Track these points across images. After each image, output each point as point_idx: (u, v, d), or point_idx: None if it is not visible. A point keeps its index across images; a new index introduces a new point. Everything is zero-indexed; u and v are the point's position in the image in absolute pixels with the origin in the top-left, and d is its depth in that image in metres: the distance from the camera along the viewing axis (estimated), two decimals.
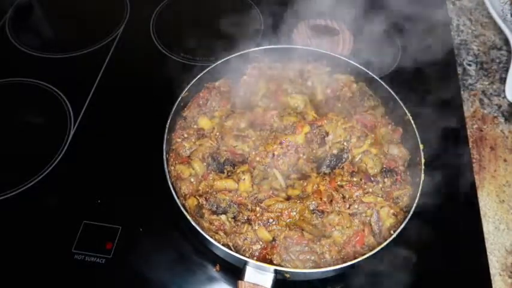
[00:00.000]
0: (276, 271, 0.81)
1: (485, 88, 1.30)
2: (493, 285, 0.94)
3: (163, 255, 0.96)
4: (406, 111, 1.01)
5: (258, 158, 0.97)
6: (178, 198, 0.90)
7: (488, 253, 0.98)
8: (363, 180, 0.94)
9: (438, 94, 1.17)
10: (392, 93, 1.04)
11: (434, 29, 1.32)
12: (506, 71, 1.31)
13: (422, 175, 0.92)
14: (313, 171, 0.96)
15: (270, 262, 0.85)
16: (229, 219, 0.90)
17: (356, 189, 0.92)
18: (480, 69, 1.34)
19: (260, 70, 1.14)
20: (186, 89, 1.04)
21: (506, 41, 1.37)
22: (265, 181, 0.94)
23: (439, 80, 1.21)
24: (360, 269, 0.87)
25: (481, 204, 1.06)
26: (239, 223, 0.89)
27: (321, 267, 0.84)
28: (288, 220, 0.89)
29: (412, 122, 0.99)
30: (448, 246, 0.99)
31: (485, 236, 1.01)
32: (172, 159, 0.98)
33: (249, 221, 0.89)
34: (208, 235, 0.84)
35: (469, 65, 1.35)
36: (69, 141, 1.13)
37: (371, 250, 0.83)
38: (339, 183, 0.93)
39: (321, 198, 0.90)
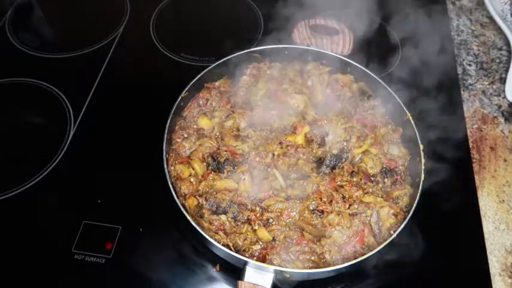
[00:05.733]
0: (276, 271, 0.81)
1: (485, 88, 1.30)
2: (493, 285, 0.94)
3: (163, 255, 0.96)
4: (406, 111, 1.01)
5: (258, 158, 0.97)
6: (178, 198, 0.90)
7: (488, 253, 0.98)
8: (362, 180, 0.95)
9: (438, 94, 1.17)
10: (393, 93, 1.04)
11: (434, 29, 1.32)
12: (506, 71, 1.31)
13: (422, 175, 0.92)
14: (313, 171, 0.96)
15: (270, 262, 0.85)
16: (229, 219, 0.90)
17: (356, 189, 0.92)
18: (480, 69, 1.34)
19: (260, 70, 1.14)
20: (186, 89, 1.04)
21: (506, 41, 1.37)
22: (265, 181, 0.94)
23: (439, 80, 1.21)
24: (360, 269, 0.87)
25: (481, 204, 1.06)
26: (239, 223, 0.89)
27: (321, 267, 0.84)
28: (288, 220, 0.89)
29: (412, 122, 0.99)
30: (448, 246, 0.99)
31: (485, 236, 1.01)
32: (172, 159, 0.98)
33: (249, 221, 0.89)
34: (208, 235, 0.84)
35: (469, 65, 1.35)
36: (69, 141, 1.12)
37: (371, 250, 0.83)
38: (338, 183, 0.93)
39: (320, 198, 0.90)
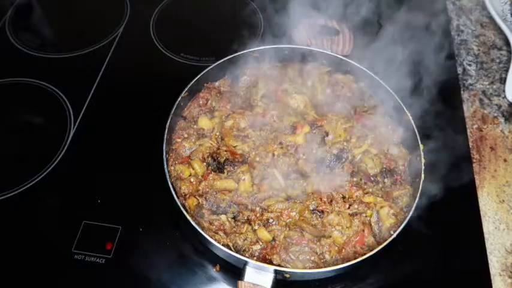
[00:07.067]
0: (276, 271, 0.81)
1: (485, 88, 1.30)
2: (493, 285, 0.94)
3: (163, 255, 0.96)
4: (406, 111, 1.01)
5: (258, 158, 0.97)
6: (178, 198, 0.90)
7: (488, 253, 0.98)
8: (362, 180, 0.95)
9: (438, 94, 1.17)
10: (393, 93, 1.04)
11: (434, 29, 1.32)
12: (506, 71, 1.31)
13: (422, 175, 0.92)
14: (313, 171, 0.96)
15: (270, 262, 0.85)
16: (229, 219, 0.90)
17: (356, 189, 0.92)
18: (480, 69, 1.34)
19: (260, 70, 1.14)
20: (186, 89, 1.04)
21: (506, 41, 1.37)
22: (265, 181, 0.94)
23: (439, 80, 1.21)
24: (360, 269, 0.87)
25: (481, 204, 1.06)
26: (239, 223, 0.89)
27: (321, 267, 0.84)
28: (287, 220, 0.89)
29: (412, 122, 0.99)
30: (448, 246, 0.99)
31: (485, 236, 1.01)
32: (172, 159, 0.98)
33: (249, 221, 0.89)
34: (208, 235, 0.84)
35: (469, 65, 1.35)
36: (69, 141, 1.12)
37: (371, 250, 0.83)
38: (339, 183, 0.93)
39: (320, 198, 0.90)
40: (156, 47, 1.34)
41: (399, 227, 0.85)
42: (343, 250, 0.87)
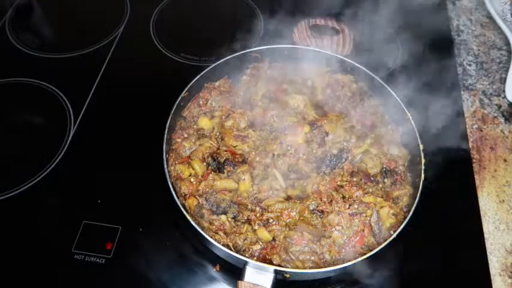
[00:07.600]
0: (276, 271, 0.81)
1: (485, 88, 1.30)
2: (493, 285, 0.94)
3: (163, 255, 0.96)
4: (406, 111, 1.01)
5: (258, 158, 0.97)
6: (178, 198, 0.90)
7: (488, 253, 0.98)
8: (362, 180, 0.95)
9: (438, 94, 1.17)
10: (392, 93, 1.04)
11: (434, 29, 1.32)
12: (506, 71, 1.31)
13: (423, 175, 0.92)
14: (313, 171, 0.96)
15: (270, 262, 0.85)
16: (229, 219, 0.90)
17: (356, 189, 0.92)
18: (480, 69, 1.34)
19: (260, 70, 1.14)
20: (186, 89, 1.04)
21: (506, 41, 1.37)
22: (265, 181, 0.94)
23: (439, 80, 1.21)
24: (360, 269, 0.87)
25: (481, 204, 1.06)
26: (239, 223, 0.89)
27: (321, 267, 0.84)
28: (287, 220, 0.89)
29: (412, 122, 0.99)
30: (448, 246, 0.99)
31: (485, 236, 1.01)
32: (172, 159, 0.98)
33: (249, 221, 0.89)
34: (208, 235, 0.84)
35: (469, 65, 1.35)
36: (69, 141, 1.13)
37: (371, 250, 0.83)
38: (338, 183, 0.93)
39: (320, 199, 0.90)
40: (156, 47, 1.35)
41: (399, 227, 0.85)
42: (343, 250, 0.87)
